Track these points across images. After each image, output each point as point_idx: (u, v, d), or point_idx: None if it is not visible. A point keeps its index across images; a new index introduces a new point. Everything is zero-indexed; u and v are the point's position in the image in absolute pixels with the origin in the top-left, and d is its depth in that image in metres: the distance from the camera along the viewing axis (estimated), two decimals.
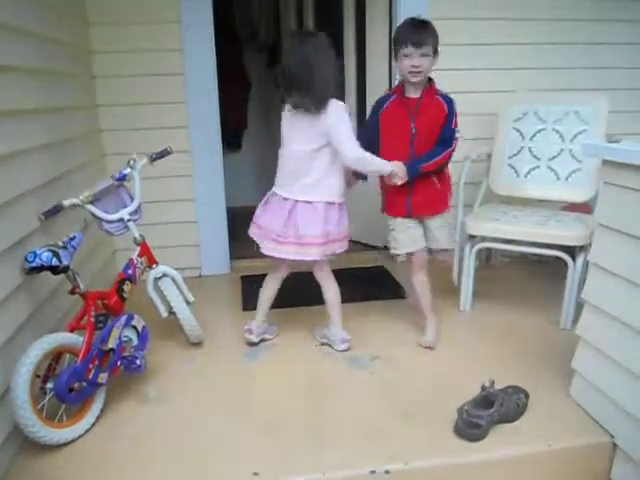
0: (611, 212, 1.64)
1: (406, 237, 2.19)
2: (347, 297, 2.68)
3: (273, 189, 2.13)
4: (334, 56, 2.00)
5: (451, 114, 2.12)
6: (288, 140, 2.08)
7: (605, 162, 1.63)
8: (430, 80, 2.13)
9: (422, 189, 2.14)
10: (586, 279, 1.77)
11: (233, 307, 2.67)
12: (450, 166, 2.22)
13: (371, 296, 2.65)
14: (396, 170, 2.04)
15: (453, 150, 2.13)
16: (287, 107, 2.07)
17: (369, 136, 2.15)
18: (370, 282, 2.88)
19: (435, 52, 2.05)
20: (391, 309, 2.50)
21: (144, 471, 1.57)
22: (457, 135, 2.14)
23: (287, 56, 2.03)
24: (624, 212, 1.57)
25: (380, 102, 2.17)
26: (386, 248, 3.26)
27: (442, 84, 2.93)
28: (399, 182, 2.06)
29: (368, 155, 2.01)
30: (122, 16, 2.70)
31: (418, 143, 2.10)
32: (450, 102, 2.13)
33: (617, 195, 1.59)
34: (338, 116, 1.98)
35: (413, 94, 2.10)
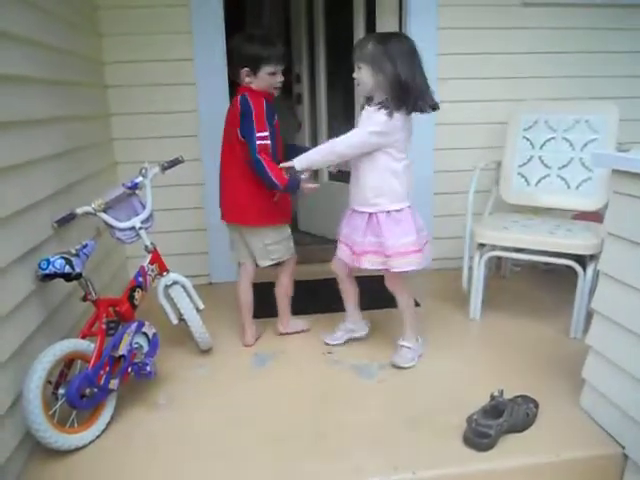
0: (621, 221, 1.63)
1: None
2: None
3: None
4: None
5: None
6: None
7: (615, 171, 1.62)
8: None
9: None
10: (596, 288, 1.76)
11: None
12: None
13: (379, 304, 2.65)
14: None
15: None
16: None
17: None
18: (378, 290, 2.88)
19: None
20: (399, 317, 2.49)
21: (152, 477, 1.58)
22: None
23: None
24: (634, 221, 1.56)
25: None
26: None
27: (453, 93, 2.97)
28: None
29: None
30: (134, 27, 2.74)
31: None
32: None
33: (627, 204, 1.58)
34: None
35: None
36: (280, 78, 2.17)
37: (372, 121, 1.95)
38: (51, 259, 1.69)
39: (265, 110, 2.11)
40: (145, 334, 1.95)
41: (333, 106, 3.71)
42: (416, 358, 2.16)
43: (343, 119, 3.67)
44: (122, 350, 1.81)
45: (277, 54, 2.12)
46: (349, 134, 2.00)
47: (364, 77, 1.98)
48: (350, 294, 2.32)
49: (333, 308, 2.49)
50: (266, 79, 2.13)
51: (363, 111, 2.03)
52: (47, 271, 1.68)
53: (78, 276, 1.76)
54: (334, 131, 3.72)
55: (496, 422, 1.63)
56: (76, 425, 1.69)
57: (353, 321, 2.34)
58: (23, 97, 1.75)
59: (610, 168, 1.65)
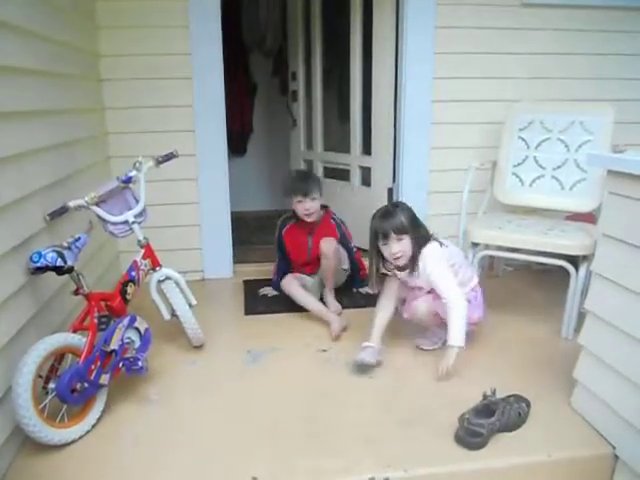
0: (615, 222, 1.64)
1: None
2: (348, 303, 2.70)
3: None
4: None
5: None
6: None
7: (610, 172, 1.63)
8: (325, 207, 2.70)
9: None
10: (589, 289, 1.77)
11: (235, 311, 2.67)
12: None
13: (372, 302, 2.65)
14: None
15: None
16: None
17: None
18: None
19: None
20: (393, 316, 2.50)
21: (144, 473, 1.57)
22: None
23: None
24: (628, 222, 1.57)
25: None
26: None
27: (449, 92, 2.98)
28: None
29: None
30: (131, 20, 2.72)
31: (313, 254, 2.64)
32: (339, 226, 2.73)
33: (622, 205, 1.59)
34: None
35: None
36: (305, 207, 2.57)
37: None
38: (43, 252, 1.67)
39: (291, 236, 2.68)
40: (137, 329, 1.93)
41: (328, 103, 3.70)
42: None
43: (338, 116, 3.67)
44: (113, 345, 1.80)
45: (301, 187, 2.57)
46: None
47: (407, 245, 2.06)
48: None
49: None
50: (296, 206, 2.59)
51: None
52: (39, 264, 1.67)
53: (70, 269, 1.74)
54: (329, 128, 3.72)
55: (488, 421, 1.64)
56: (66, 420, 1.68)
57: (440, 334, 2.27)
58: (16, 88, 1.73)
59: (606, 169, 1.66)
